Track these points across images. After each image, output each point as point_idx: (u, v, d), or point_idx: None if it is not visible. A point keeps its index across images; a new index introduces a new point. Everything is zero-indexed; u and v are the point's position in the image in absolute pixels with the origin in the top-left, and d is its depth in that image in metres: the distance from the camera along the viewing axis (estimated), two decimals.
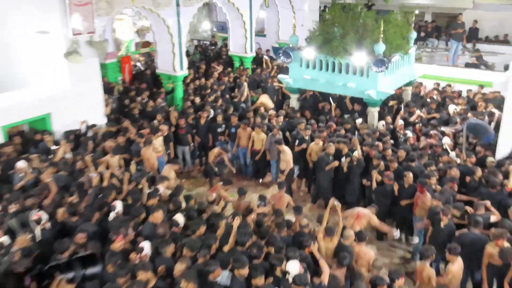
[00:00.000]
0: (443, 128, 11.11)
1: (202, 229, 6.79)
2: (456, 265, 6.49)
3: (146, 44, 18.61)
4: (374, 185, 8.97)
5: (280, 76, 13.80)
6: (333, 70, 12.07)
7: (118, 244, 6.19)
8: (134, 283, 5.45)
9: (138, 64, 18.00)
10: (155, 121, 11.40)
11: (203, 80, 15.32)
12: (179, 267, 5.75)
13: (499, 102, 11.87)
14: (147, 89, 14.06)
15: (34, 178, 8.37)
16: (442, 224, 7.37)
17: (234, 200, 8.60)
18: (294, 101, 13.40)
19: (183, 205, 7.79)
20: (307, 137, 10.57)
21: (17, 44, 11.06)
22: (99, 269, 2.02)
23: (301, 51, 12.33)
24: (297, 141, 10.68)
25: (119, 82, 15.27)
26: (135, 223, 6.97)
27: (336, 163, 9.70)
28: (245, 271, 5.73)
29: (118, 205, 7.17)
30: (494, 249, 6.66)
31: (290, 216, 8.19)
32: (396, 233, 9.22)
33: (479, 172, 8.77)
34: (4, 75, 11.36)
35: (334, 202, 7.66)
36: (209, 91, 14.10)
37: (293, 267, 5.89)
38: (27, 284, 1.50)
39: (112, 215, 7.04)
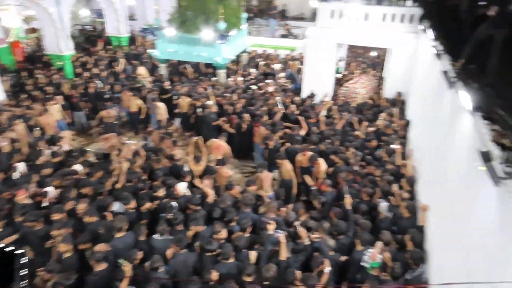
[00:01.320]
0: (267, 81, 11.23)
1: (99, 173, 6.10)
2: (285, 165, 6.81)
3: (33, 30, 15.71)
4: (227, 126, 8.74)
5: (150, 50, 12.70)
6: (189, 43, 11.38)
7: (20, 197, 5.24)
8: (55, 221, 4.74)
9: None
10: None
11: (87, 57, 13.42)
12: (80, 207, 5.09)
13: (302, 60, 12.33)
14: (41, 68, 11.95)
15: None
16: (271, 145, 7.61)
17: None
18: (163, 70, 12.46)
19: (81, 158, 6.85)
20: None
21: None
22: None
23: (164, 30, 11.37)
24: (175, 97, 9.98)
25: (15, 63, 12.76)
26: (40, 177, 5.95)
27: (223, 120, 8.89)
28: (133, 204, 5.22)
29: (20, 166, 6.06)
30: (301, 157, 7.05)
31: None
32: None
33: (292, 107, 9.13)
34: None
35: (195, 138, 7.39)
36: (92, 66, 12.40)
37: (182, 187, 5.70)
38: None
39: (16, 175, 5.93)
